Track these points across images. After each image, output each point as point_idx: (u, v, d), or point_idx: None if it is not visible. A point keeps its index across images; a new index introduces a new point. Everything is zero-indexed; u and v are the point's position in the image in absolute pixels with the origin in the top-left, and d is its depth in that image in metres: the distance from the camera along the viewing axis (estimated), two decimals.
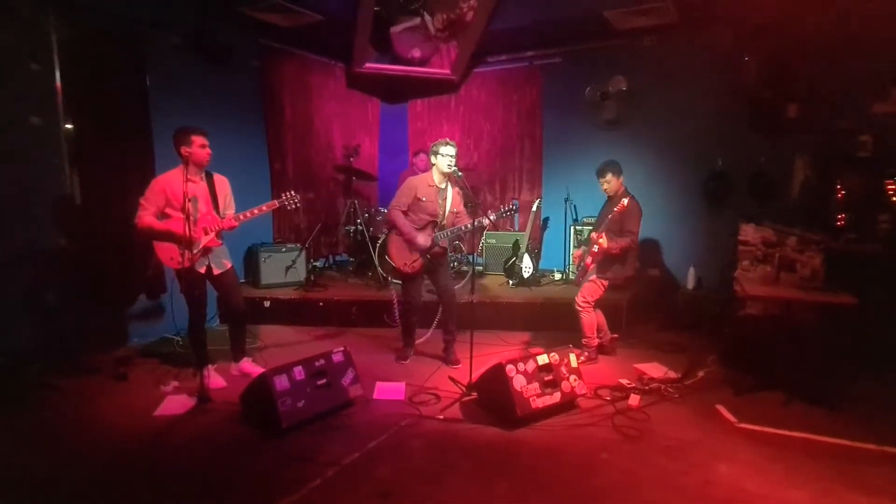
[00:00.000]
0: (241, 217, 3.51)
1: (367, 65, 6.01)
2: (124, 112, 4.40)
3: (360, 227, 5.99)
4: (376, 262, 5.62)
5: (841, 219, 4.45)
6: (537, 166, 6.50)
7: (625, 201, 4.01)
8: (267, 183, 5.83)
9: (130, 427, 3.11)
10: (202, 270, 3.50)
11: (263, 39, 5.55)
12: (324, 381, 3.21)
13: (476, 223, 3.87)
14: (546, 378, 3.32)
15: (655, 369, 4.11)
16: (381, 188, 7.25)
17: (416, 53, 6.31)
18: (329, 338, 4.97)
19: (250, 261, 5.54)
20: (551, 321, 5.07)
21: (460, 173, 3.92)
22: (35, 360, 3.74)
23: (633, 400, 3.53)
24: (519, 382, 3.19)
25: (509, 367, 3.21)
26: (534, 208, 5.83)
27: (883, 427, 3.14)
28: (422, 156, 6.63)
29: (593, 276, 4.25)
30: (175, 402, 3.37)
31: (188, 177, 3.39)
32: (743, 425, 3.22)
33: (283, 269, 5.52)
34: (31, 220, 3.88)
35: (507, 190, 6.69)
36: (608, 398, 3.59)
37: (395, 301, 4.98)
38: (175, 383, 3.66)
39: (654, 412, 3.41)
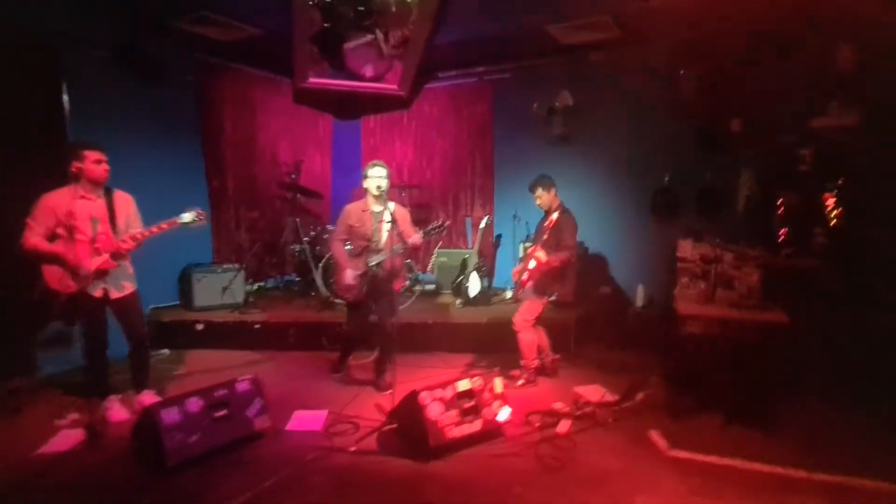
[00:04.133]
0: (139, 236, 3.29)
1: (311, 80, 5.87)
2: (38, 129, 4.18)
3: (305, 247, 5.78)
4: (318, 282, 5.41)
5: (783, 233, 4.37)
6: (488, 182, 6.39)
7: (554, 216, 3.89)
8: (205, 201, 5.62)
9: (5, 467, 2.83)
10: (97, 294, 3.26)
11: (200, 54, 5.39)
12: (224, 412, 2.97)
13: (403, 245, 3.72)
14: (466, 405, 3.12)
15: (594, 392, 3.92)
16: (335, 205, 7.06)
17: (369, 71, 6.20)
18: (261, 362, 4.72)
19: (184, 282, 5.29)
20: (497, 342, 4.86)
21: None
22: None
23: (562, 426, 3.34)
24: (434, 411, 2.98)
25: (423, 394, 3.00)
26: (482, 225, 5.69)
27: (817, 451, 2.99)
28: None
29: (531, 295, 4.09)
30: (66, 438, 3.10)
31: (82, 193, 3.19)
32: (673, 453, 3.04)
33: (220, 290, 5.28)
34: None
35: (460, 207, 6.55)
36: (538, 424, 3.39)
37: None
38: (74, 416, 3.37)
39: (584, 439, 3.22)
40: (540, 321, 4.25)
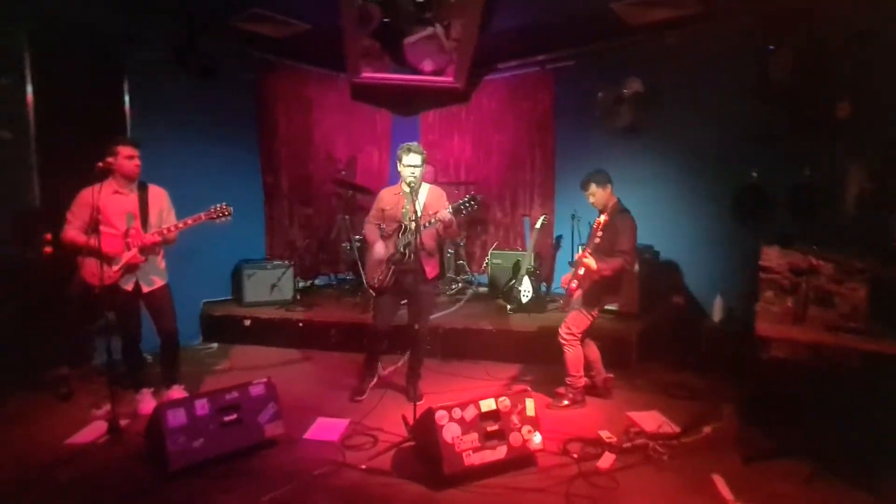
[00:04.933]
0: (165, 231, 3.28)
1: (364, 74, 5.76)
2: (100, 127, 4.36)
3: (356, 244, 5.68)
4: (364, 281, 5.26)
5: None
6: (549, 180, 5.91)
7: (601, 218, 3.43)
8: (260, 197, 5.68)
9: (32, 456, 2.90)
10: (128, 288, 3.29)
11: (255, 51, 5.44)
12: (234, 416, 2.86)
13: (432, 221, 3.42)
14: (489, 428, 2.76)
15: (651, 420, 3.40)
16: None
17: (429, 66, 5.99)
18: (300, 361, 4.67)
19: (236, 277, 5.37)
20: (548, 353, 4.40)
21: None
22: None
23: (605, 460, 2.88)
24: (451, 433, 2.67)
25: (440, 413, 2.69)
26: (537, 225, 5.24)
27: None
28: (427, 167, 6.30)
29: (580, 305, 3.64)
30: (95, 429, 3.15)
31: (116, 188, 3.24)
32: None
33: (269, 286, 5.30)
34: None
35: (518, 205, 6.14)
36: (576, 455, 2.96)
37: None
38: (108, 406, 3.44)
39: (629, 478, 2.75)
40: (593, 334, 3.79)
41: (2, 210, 3.93)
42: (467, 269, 5.96)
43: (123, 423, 3.16)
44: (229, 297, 5.43)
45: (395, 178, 7.09)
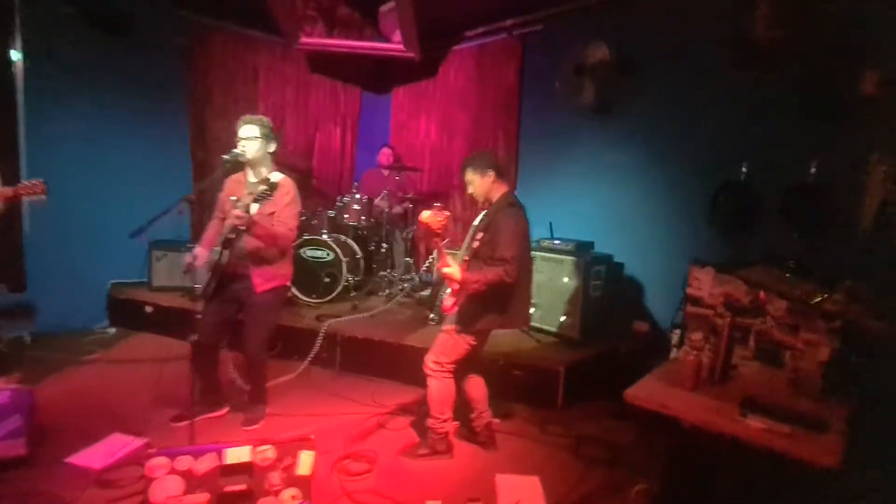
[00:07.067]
0: None
1: (304, 40, 5.11)
2: None
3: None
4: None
5: None
6: (511, 168, 4.95)
7: (423, 215, 2.59)
8: (188, 174, 5.21)
9: None
10: None
11: (187, 12, 4.92)
12: None
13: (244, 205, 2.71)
14: (231, 488, 2.03)
15: (519, 490, 2.51)
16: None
17: (399, 36, 5.28)
18: (184, 359, 4.09)
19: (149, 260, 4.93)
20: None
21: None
22: None
23: None
24: (165, 490, 1.96)
25: (157, 460, 2.00)
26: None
27: None
28: (384, 150, 5.61)
29: (450, 325, 2.80)
30: None
31: None
32: None
33: (181, 271, 4.81)
34: None
35: None
36: None
37: None
38: None
39: None
40: (475, 366, 2.93)
41: None
42: (412, 268, 5.18)
43: None
44: (142, 280, 5.00)
45: (362, 161, 6.48)
